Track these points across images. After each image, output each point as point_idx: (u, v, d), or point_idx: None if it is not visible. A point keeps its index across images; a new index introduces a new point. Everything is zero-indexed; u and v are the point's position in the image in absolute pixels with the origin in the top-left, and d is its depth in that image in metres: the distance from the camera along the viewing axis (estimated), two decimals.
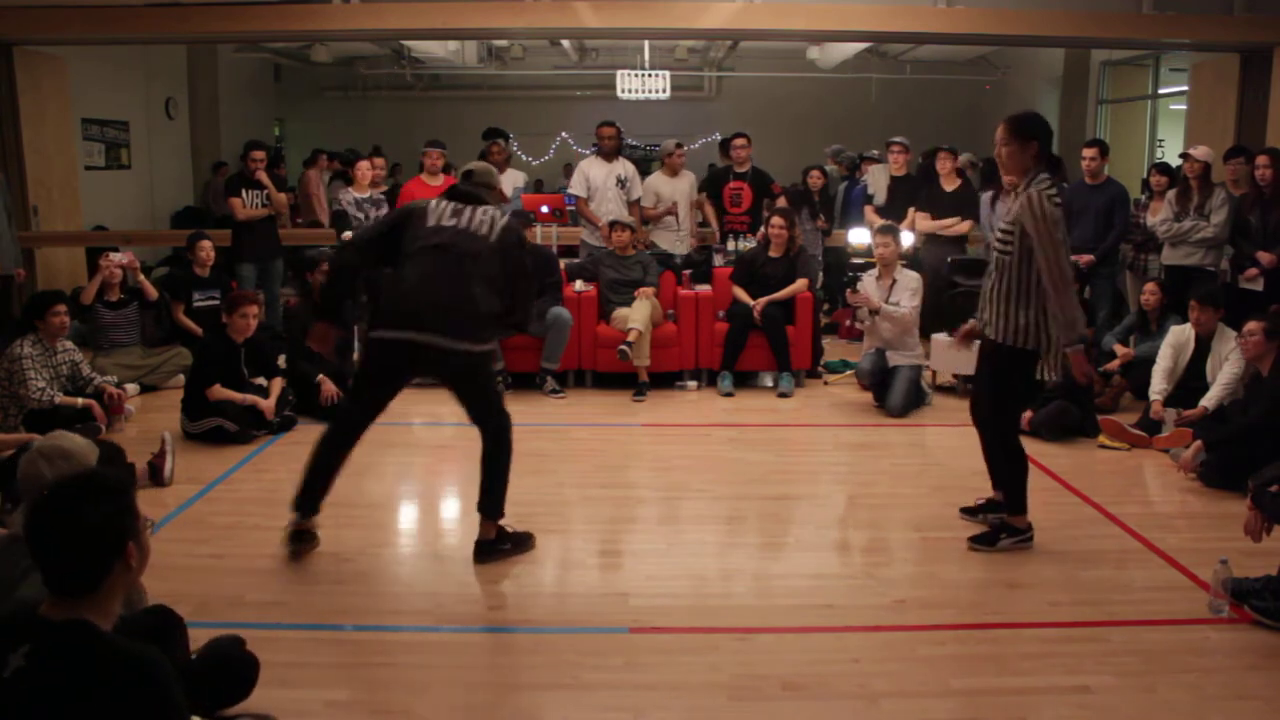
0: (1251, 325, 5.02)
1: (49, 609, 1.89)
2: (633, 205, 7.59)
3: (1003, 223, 3.94)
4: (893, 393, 6.20)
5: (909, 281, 6.39)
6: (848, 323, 6.84)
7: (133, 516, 1.93)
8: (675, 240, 7.73)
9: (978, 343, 4.18)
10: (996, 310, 3.88)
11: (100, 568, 1.87)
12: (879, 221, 7.80)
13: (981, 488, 4.62)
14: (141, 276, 7.08)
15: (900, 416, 6.13)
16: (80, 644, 1.84)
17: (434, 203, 3.97)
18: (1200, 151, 6.66)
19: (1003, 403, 4.08)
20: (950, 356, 6.57)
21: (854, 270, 6.83)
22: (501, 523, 4.00)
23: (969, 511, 4.40)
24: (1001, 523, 4.12)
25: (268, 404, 5.62)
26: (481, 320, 3.84)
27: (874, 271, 6.55)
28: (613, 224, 7.10)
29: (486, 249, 3.85)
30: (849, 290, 6.56)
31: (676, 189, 7.74)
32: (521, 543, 4.04)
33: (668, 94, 11.67)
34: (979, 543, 4.08)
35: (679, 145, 7.83)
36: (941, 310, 6.64)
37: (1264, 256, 6.15)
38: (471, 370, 3.90)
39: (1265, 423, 4.71)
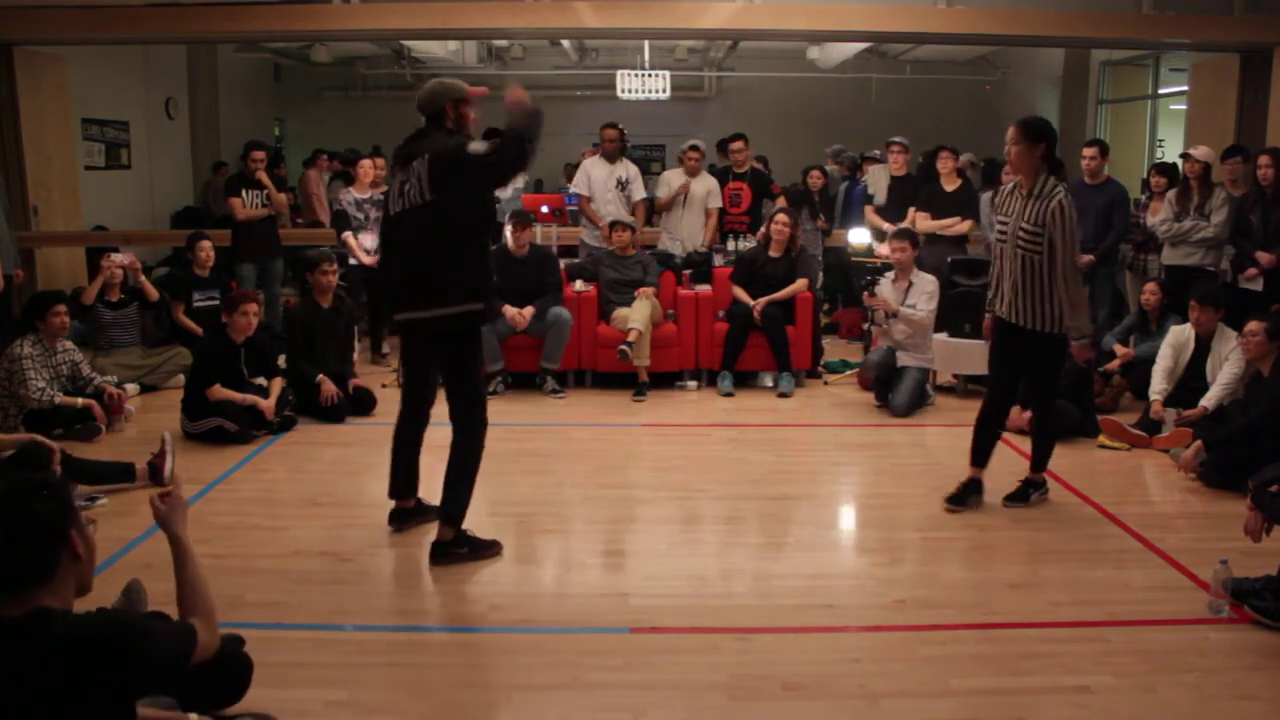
0: (1253, 325, 5.01)
1: (6, 608, 1.95)
2: (637, 205, 7.58)
3: (1026, 223, 4.24)
4: (899, 392, 6.22)
5: (925, 285, 6.41)
6: (865, 325, 6.86)
7: (72, 510, 2.05)
8: (677, 241, 7.71)
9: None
10: (1029, 303, 4.29)
11: (50, 555, 1.98)
12: (880, 222, 7.82)
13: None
14: (142, 277, 7.07)
15: (904, 416, 6.14)
16: (46, 628, 1.92)
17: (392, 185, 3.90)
18: (1200, 152, 6.66)
19: (1050, 381, 4.52)
20: (951, 356, 6.58)
21: (871, 273, 6.84)
22: (466, 527, 3.95)
23: (955, 500, 4.60)
24: (1028, 481, 4.61)
25: (268, 404, 5.62)
26: (448, 280, 3.74)
27: (890, 274, 6.58)
28: (613, 224, 7.10)
29: (421, 205, 3.73)
30: (866, 293, 6.58)
31: (691, 185, 7.73)
32: (481, 549, 3.94)
33: (668, 94, 11.66)
34: (1014, 500, 4.56)
35: (693, 147, 7.79)
36: (942, 310, 6.63)
37: (1263, 256, 6.15)
38: (445, 335, 3.83)
39: (1265, 423, 4.70)
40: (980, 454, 4.57)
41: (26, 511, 1.97)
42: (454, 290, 3.76)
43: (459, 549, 3.89)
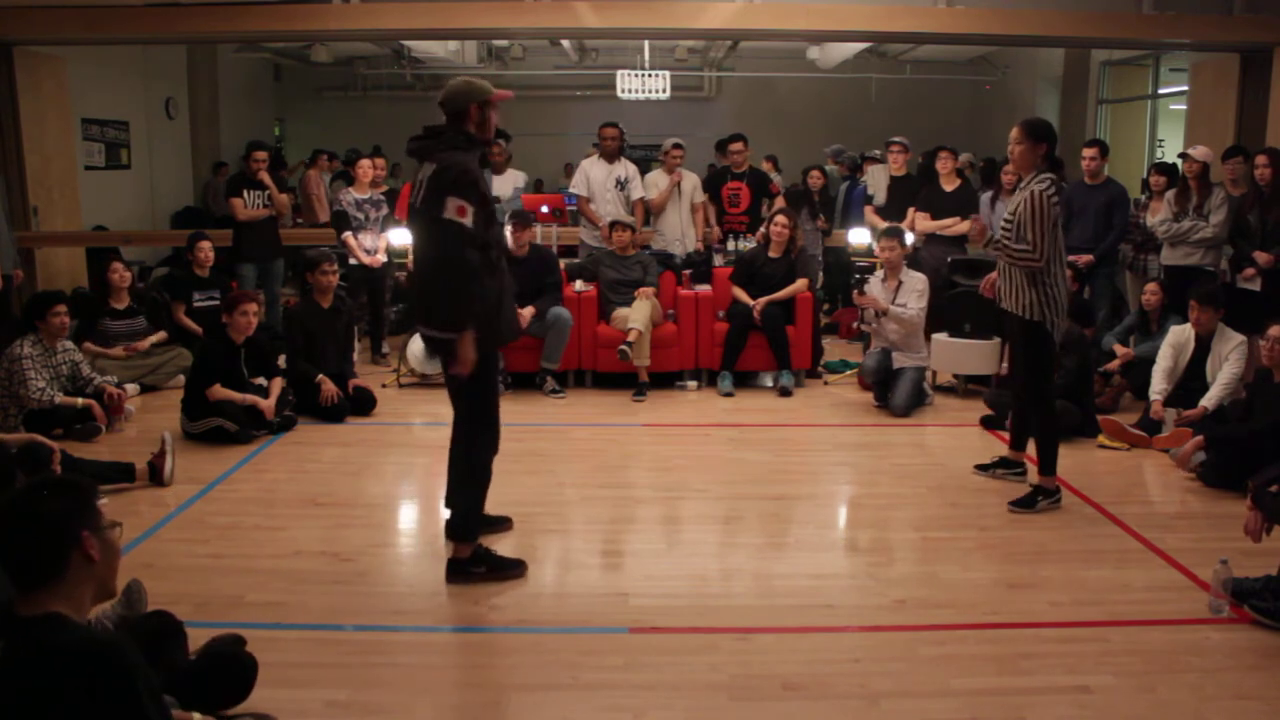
0: (1277, 331, 4.87)
1: (20, 606, 1.97)
2: (636, 204, 7.59)
3: (1007, 214, 4.48)
4: (897, 393, 6.22)
5: (915, 283, 6.41)
6: (855, 325, 6.85)
7: (89, 511, 2.05)
8: (675, 241, 7.72)
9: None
10: (1009, 289, 4.48)
11: (58, 556, 1.98)
12: (880, 222, 7.81)
13: (980, 486, 4.79)
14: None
15: (903, 416, 6.14)
16: (51, 636, 1.93)
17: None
18: (1199, 152, 6.66)
19: (1032, 368, 4.54)
20: (951, 356, 6.59)
21: (861, 271, 6.83)
22: (487, 544, 3.83)
23: (982, 468, 5.02)
24: (1036, 487, 4.58)
25: (268, 404, 5.62)
26: (432, 298, 3.51)
27: (880, 273, 6.57)
28: (613, 224, 7.10)
29: (420, 213, 3.50)
30: (856, 292, 6.58)
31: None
32: (502, 568, 3.74)
33: (668, 94, 11.66)
34: (1018, 506, 4.53)
35: (676, 145, 7.81)
36: (941, 310, 6.64)
37: (1261, 256, 6.15)
38: (437, 352, 3.59)
39: (1275, 430, 4.66)
40: (1013, 438, 4.96)
41: (34, 510, 1.99)
42: (435, 313, 3.53)
43: (476, 568, 3.70)
